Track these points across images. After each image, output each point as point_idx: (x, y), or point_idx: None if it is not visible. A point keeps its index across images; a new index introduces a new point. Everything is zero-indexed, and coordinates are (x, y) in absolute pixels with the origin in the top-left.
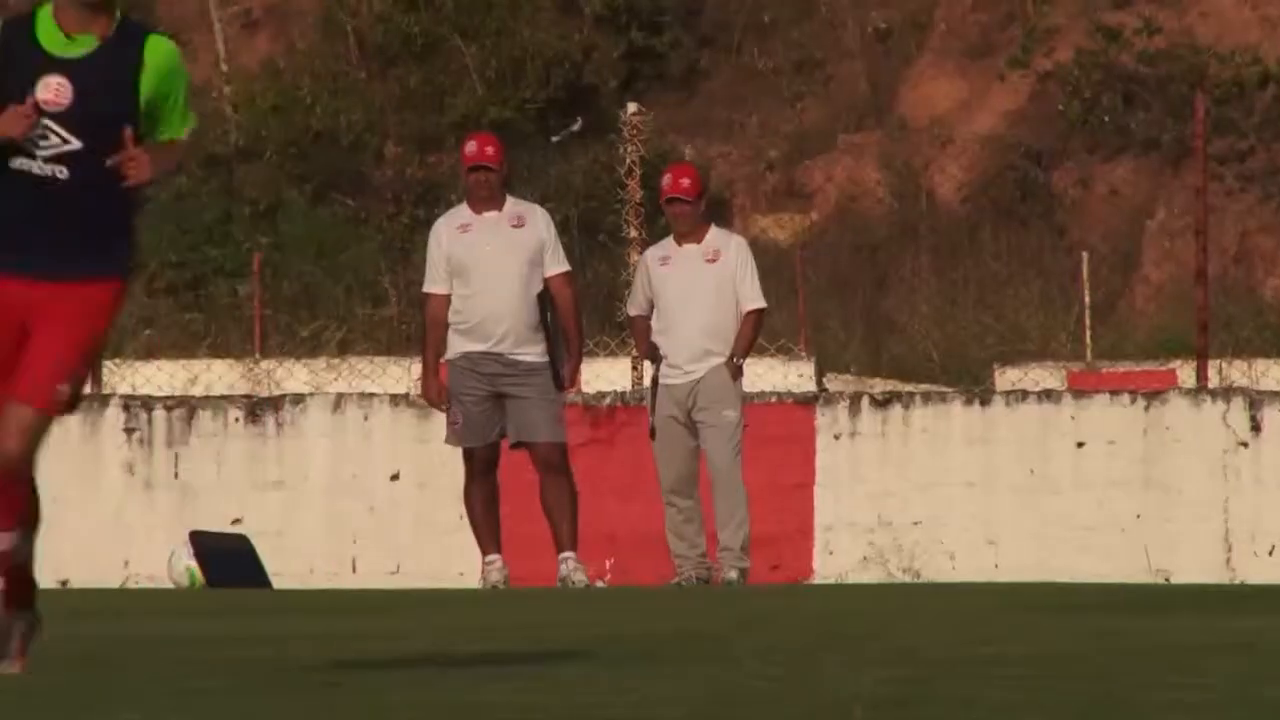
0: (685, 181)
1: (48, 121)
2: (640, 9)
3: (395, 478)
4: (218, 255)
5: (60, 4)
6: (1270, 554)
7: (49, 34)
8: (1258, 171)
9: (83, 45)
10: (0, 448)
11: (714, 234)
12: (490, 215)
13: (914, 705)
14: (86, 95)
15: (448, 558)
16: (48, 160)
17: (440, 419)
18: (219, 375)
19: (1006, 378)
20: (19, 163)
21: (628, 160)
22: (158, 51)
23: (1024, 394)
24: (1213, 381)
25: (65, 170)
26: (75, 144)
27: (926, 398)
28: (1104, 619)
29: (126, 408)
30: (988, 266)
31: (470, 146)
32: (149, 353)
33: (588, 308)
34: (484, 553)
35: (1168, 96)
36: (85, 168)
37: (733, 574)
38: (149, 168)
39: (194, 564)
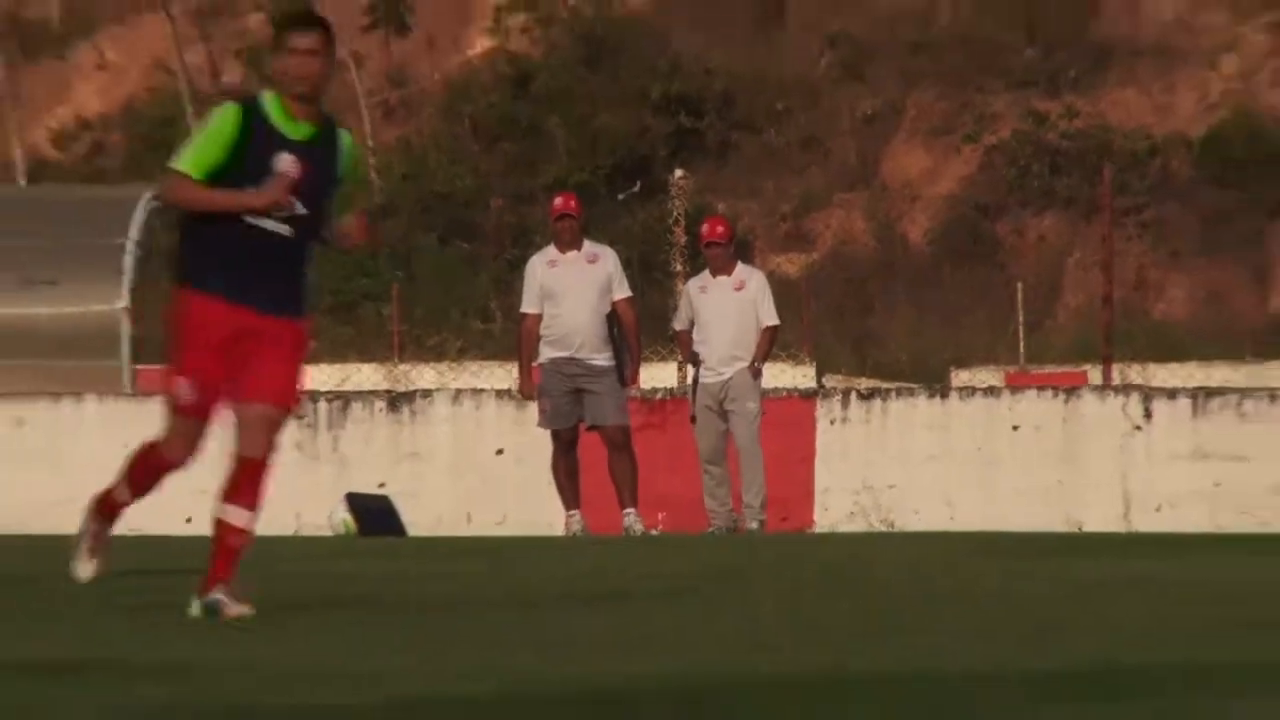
0: (719, 229)
1: None
2: (687, 98)
3: (500, 453)
4: (366, 285)
5: (283, 93)
6: (1158, 510)
7: (281, 117)
8: (1150, 222)
9: (304, 130)
10: (258, 445)
11: (740, 269)
12: (571, 254)
13: (887, 628)
14: (310, 171)
15: (540, 513)
16: (280, 221)
17: (534, 408)
18: (366, 375)
19: (960, 378)
20: (256, 220)
21: (675, 214)
22: (349, 141)
23: (973, 390)
24: (1115, 380)
25: (290, 229)
26: (300, 210)
27: (899, 393)
28: (1033, 561)
29: (297, 399)
30: (947, 294)
31: (557, 201)
32: (312, 358)
33: (645, 324)
34: (567, 509)
35: (1084, 165)
36: (303, 229)
37: (753, 525)
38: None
39: (349, 518)
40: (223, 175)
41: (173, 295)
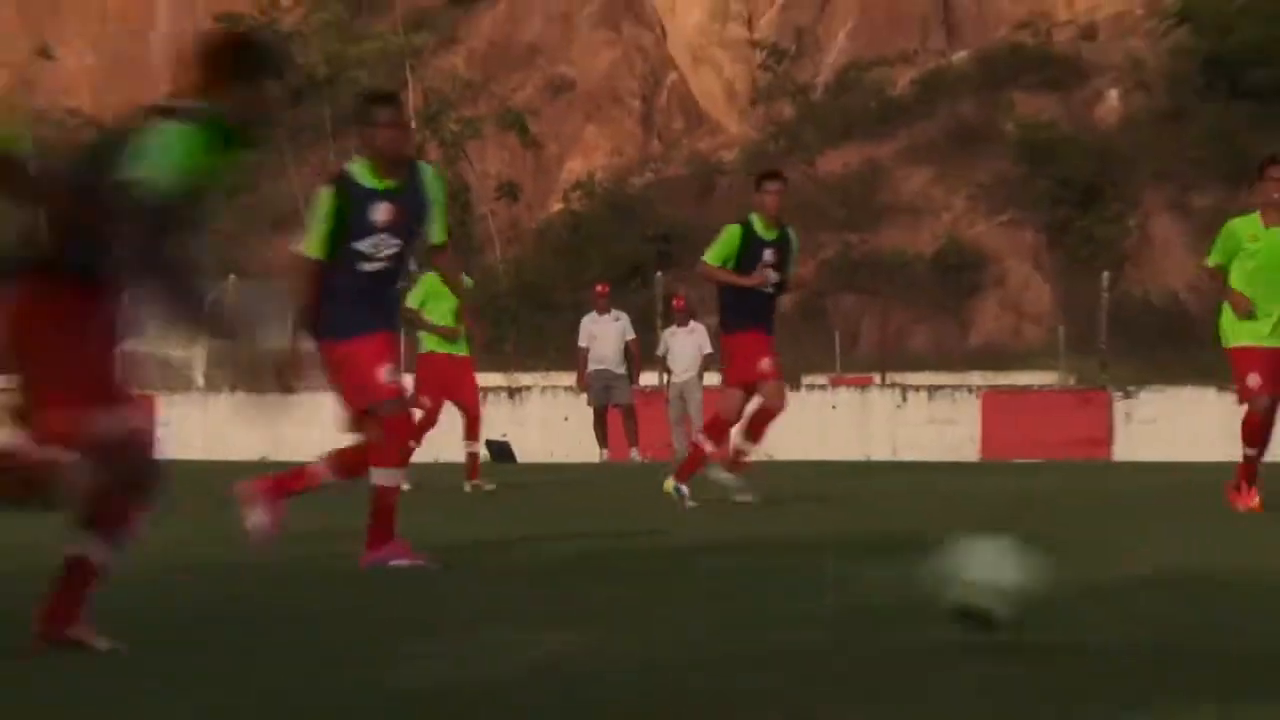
0: (681, 304)
1: None
2: (664, 235)
3: (566, 419)
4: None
5: (760, 215)
6: (912, 451)
7: (763, 228)
8: (904, 302)
9: (773, 234)
10: (783, 399)
11: (692, 324)
12: (605, 316)
13: (773, 511)
14: (777, 257)
15: (587, 451)
16: (765, 287)
17: (584, 395)
18: (494, 382)
19: (805, 380)
20: (756, 285)
21: (658, 295)
22: (793, 235)
23: (813, 386)
24: (888, 382)
25: (771, 290)
26: (775, 279)
27: None
28: (845, 479)
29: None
30: (799, 336)
31: (597, 288)
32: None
33: (643, 353)
34: (601, 448)
35: (871, 273)
36: (777, 290)
37: None
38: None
39: (486, 452)
40: (735, 261)
41: (723, 333)
